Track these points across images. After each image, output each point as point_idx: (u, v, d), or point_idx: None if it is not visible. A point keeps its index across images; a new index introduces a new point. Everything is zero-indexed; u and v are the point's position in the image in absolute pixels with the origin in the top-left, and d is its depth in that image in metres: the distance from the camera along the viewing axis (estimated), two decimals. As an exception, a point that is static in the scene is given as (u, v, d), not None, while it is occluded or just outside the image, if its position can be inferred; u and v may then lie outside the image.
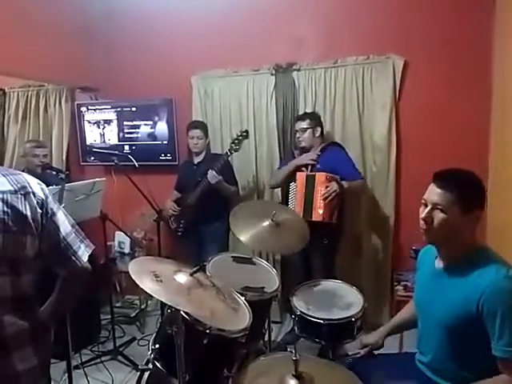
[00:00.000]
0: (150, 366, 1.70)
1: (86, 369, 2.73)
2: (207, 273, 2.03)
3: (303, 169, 2.99)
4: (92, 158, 3.95)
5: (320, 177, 2.79)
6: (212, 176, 3.04)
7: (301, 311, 2.07)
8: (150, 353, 1.69)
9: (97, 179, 2.89)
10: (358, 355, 1.86)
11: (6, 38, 2.88)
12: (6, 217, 1.16)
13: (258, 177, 3.59)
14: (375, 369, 1.72)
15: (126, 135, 3.87)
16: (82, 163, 4.01)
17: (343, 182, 2.80)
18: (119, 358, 3.05)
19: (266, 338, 2.29)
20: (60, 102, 3.86)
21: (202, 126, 3.34)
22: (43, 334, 1.30)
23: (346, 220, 3.12)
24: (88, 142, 3.96)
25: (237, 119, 3.58)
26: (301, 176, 2.90)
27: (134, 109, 3.81)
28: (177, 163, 3.73)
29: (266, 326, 2.23)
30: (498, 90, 2.88)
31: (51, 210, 1.28)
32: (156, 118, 3.77)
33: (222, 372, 1.68)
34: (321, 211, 2.75)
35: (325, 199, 2.73)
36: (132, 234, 3.71)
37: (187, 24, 3.59)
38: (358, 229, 3.36)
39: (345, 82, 3.28)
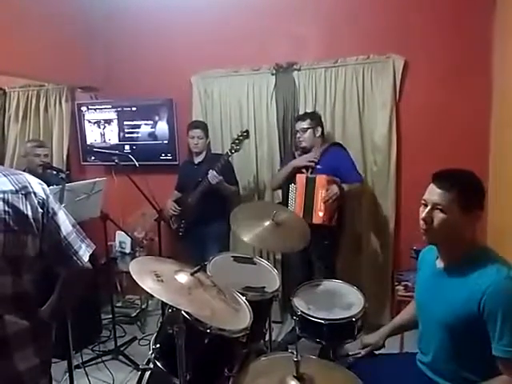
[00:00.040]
0: (151, 365, 1.70)
1: (86, 368, 2.74)
2: (208, 273, 2.03)
3: (303, 170, 2.98)
4: (92, 158, 3.95)
5: (320, 179, 2.78)
6: (213, 176, 3.04)
7: (301, 311, 2.08)
8: (150, 352, 1.69)
9: (97, 179, 2.90)
10: (359, 355, 1.86)
11: (7, 37, 2.87)
12: (7, 216, 1.17)
13: (259, 177, 3.59)
14: (376, 369, 1.72)
15: (127, 135, 3.87)
16: (83, 163, 4.01)
17: (343, 185, 2.80)
18: (120, 357, 3.05)
19: (267, 337, 2.29)
20: (60, 102, 3.86)
21: (203, 126, 3.34)
22: (44, 333, 1.31)
23: (347, 220, 3.12)
24: (88, 142, 3.96)
25: (237, 119, 3.58)
26: (300, 178, 2.89)
27: (134, 108, 3.81)
28: (177, 163, 3.73)
29: (267, 325, 2.23)
30: (499, 90, 2.88)
31: (52, 209, 1.28)
32: (156, 118, 3.77)
33: (223, 372, 1.68)
34: (321, 214, 2.74)
35: (325, 202, 2.72)
36: (133, 233, 3.71)
37: (187, 23, 3.59)
38: (359, 229, 3.36)
39: (345, 82, 3.28)
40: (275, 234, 2.26)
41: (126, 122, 3.85)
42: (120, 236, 3.81)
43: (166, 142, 3.77)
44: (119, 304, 3.88)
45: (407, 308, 1.94)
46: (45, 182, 1.33)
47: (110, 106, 3.87)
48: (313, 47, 3.36)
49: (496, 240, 2.66)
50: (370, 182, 3.34)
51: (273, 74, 3.44)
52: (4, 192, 1.18)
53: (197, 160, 3.33)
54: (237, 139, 3.11)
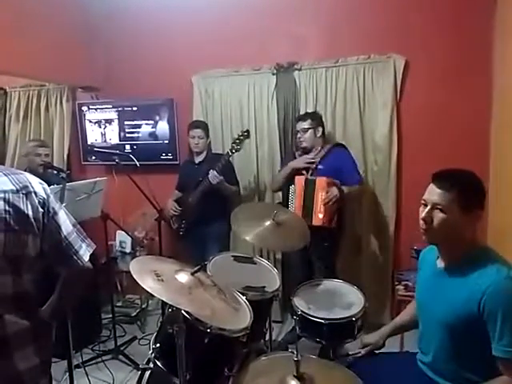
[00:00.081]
0: (151, 365, 1.70)
1: (86, 368, 2.74)
2: (208, 272, 2.03)
3: (303, 172, 2.98)
4: (93, 158, 3.96)
5: (320, 181, 2.78)
6: (213, 176, 3.04)
7: (302, 311, 2.08)
8: (150, 352, 1.69)
9: (98, 178, 2.90)
10: (359, 355, 1.86)
11: (7, 37, 2.88)
12: (7, 216, 1.17)
13: (259, 177, 3.59)
14: (376, 368, 1.72)
15: (127, 135, 3.88)
16: (83, 163, 4.02)
17: (343, 188, 2.79)
18: (120, 357, 3.05)
19: (267, 337, 2.29)
20: (61, 102, 3.87)
21: (203, 126, 3.33)
22: (44, 333, 1.31)
23: (347, 220, 3.12)
24: (89, 142, 3.96)
25: (238, 119, 3.58)
26: (299, 180, 2.89)
27: (135, 108, 3.81)
28: (178, 163, 3.73)
29: (267, 325, 2.23)
30: (499, 90, 2.88)
31: (53, 209, 1.28)
32: (157, 118, 3.77)
33: (223, 371, 1.68)
34: (321, 216, 2.74)
35: (325, 204, 2.72)
36: (133, 233, 3.71)
37: (188, 23, 3.59)
38: (359, 228, 3.36)
39: (346, 82, 3.27)
40: (275, 234, 2.26)
41: (126, 122, 3.86)
42: (120, 236, 3.81)
43: (166, 141, 3.77)
44: (119, 303, 3.88)
45: (407, 308, 1.94)
46: (45, 182, 1.33)
47: (110, 106, 3.87)
48: (313, 47, 3.36)
49: (496, 240, 2.66)
50: (371, 182, 3.34)
51: (273, 74, 3.44)
52: (5, 191, 1.18)
53: (197, 160, 3.33)
54: (237, 139, 3.11)
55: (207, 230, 3.20)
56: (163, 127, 3.77)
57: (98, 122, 3.92)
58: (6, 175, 1.22)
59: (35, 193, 1.24)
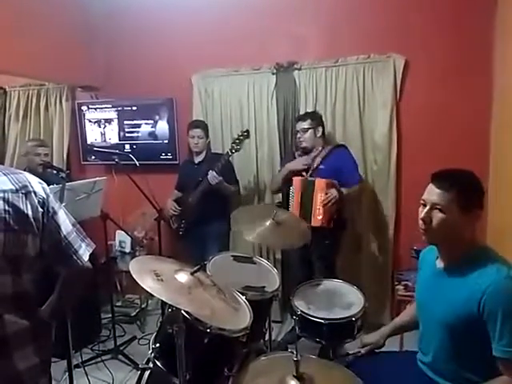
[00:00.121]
0: (151, 365, 1.70)
1: (86, 368, 2.73)
2: (208, 272, 2.03)
3: (303, 173, 2.98)
4: (93, 157, 3.95)
5: (320, 183, 2.78)
6: (212, 177, 3.04)
7: (301, 311, 2.08)
8: (150, 352, 1.69)
9: (97, 178, 2.90)
10: (359, 354, 1.86)
11: (7, 36, 2.87)
12: (7, 216, 1.16)
13: (259, 177, 3.59)
14: (376, 368, 1.72)
15: (127, 134, 3.87)
16: (83, 162, 4.01)
17: (342, 189, 2.79)
18: (120, 357, 3.05)
19: (267, 337, 2.29)
20: (61, 101, 3.87)
21: (203, 126, 3.33)
22: (44, 333, 1.31)
23: (347, 220, 3.12)
24: (89, 141, 3.96)
25: (237, 118, 3.58)
26: (296, 181, 2.90)
27: (134, 108, 3.81)
28: (177, 162, 3.73)
29: (267, 325, 2.23)
30: (499, 90, 2.88)
31: (52, 208, 1.28)
32: (157, 117, 3.77)
33: (223, 371, 1.68)
34: (320, 217, 2.74)
35: (324, 205, 2.72)
36: (133, 233, 3.71)
37: (188, 23, 3.59)
38: (359, 228, 3.36)
39: (346, 81, 3.27)
40: (276, 233, 2.27)
41: (126, 122, 3.86)
42: (120, 235, 3.81)
43: (166, 141, 3.77)
44: (119, 303, 3.88)
45: (408, 309, 1.94)
46: (45, 182, 1.33)
47: (110, 106, 3.87)
48: (313, 47, 3.36)
49: (496, 240, 2.66)
50: (371, 182, 3.34)
51: (273, 74, 3.43)
52: (4, 191, 1.18)
53: (197, 160, 3.33)
54: (237, 139, 3.11)
55: (207, 229, 3.20)
56: (163, 127, 3.77)
57: (98, 122, 3.92)
58: (5, 175, 1.22)
59: (35, 192, 1.24)
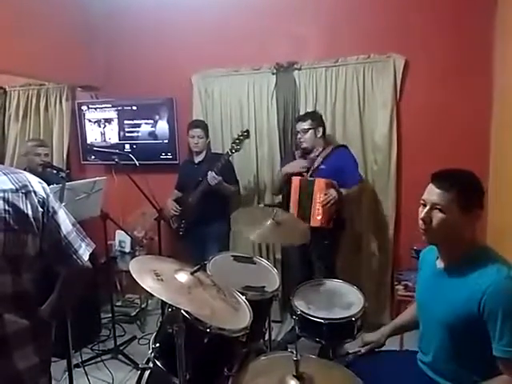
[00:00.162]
0: (151, 364, 1.70)
1: (86, 367, 2.73)
2: (208, 272, 2.03)
3: (304, 174, 2.97)
4: (93, 157, 3.95)
5: (319, 183, 2.77)
6: (212, 177, 3.04)
7: (301, 311, 2.08)
8: (150, 352, 1.69)
9: (97, 178, 2.90)
10: (359, 353, 1.86)
11: (7, 36, 2.87)
12: (7, 215, 1.16)
13: (259, 176, 3.59)
14: (376, 367, 1.72)
15: (127, 134, 3.87)
16: (83, 162, 4.01)
17: (342, 190, 2.79)
18: (120, 356, 3.05)
19: (267, 337, 2.29)
20: (61, 101, 3.87)
21: (203, 125, 3.33)
22: (44, 332, 1.31)
23: (347, 220, 3.12)
24: (89, 141, 3.96)
25: (237, 118, 3.58)
26: (296, 181, 2.90)
27: (134, 108, 3.81)
28: (177, 162, 3.73)
29: (267, 325, 2.23)
30: (499, 90, 2.88)
31: (52, 208, 1.28)
32: (157, 117, 3.77)
33: (223, 371, 1.68)
34: (319, 217, 2.74)
35: (324, 206, 2.72)
36: (133, 232, 3.71)
37: (188, 23, 3.59)
38: (359, 228, 3.36)
39: (346, 81, 3.27)
40: (276, 233, 2.28)
41: (126, 121, 3.86)
42: (120, 235, 3.81)
43: (166, 141, 3.77)
44: (119, 303, 3.88)
45: (408, 309, 1.94)
46: (45, 181, 1.33)
47: (110, 105, 3.87)
48: (313, 47, 3.36)
49: (496, 240, 2.66)
50: (371, 182, 3.34)
51: (273, 74, 3.43)
52: (4, 191, 1.18)
53: (197, 159, 3.33)
54: (237, 139, 3.11)
55: (207, 229, 3.20)
56: (163, 127, 3.77)
57: (98, 122, 3.92)
58: (5, 174, 1.22)
59: (35, 192, 1.24)
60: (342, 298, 2.23)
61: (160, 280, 1.38)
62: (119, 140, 3.89)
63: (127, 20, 3.76)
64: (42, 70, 3.28)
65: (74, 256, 1.32)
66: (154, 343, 1.70)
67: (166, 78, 3.65)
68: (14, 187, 1.20)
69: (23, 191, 1.22)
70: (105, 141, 3.93)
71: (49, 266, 1.31)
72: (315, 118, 3.04)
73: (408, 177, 3.25)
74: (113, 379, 2.79)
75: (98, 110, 3.90)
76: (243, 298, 1.88)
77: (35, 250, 1.24)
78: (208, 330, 1.58)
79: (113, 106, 3.86)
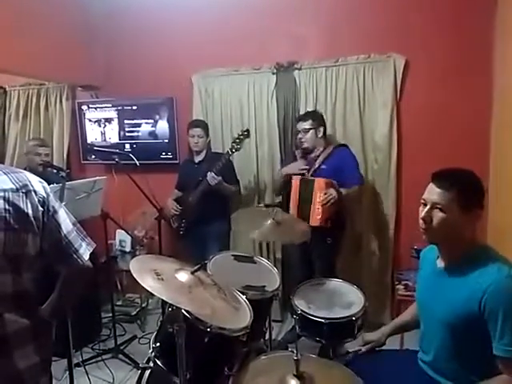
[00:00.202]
0: (151, 364, 1.70)
1: (86, 367, 2.73)
2: (208, 271, 2.02)
3: (305, 173, 2.97)
4: (93, 157, 3.95)
5: (319, 182, 2.77)
6: (211, 178, 3.04)
7: (302, 310, 2.08)
8: (150, 351, 1.70)
9: (97, 178, 2.90)
10: (360, 352, 1.86)
11: (7, 36, 2.87)
12: (7, 215, 1.16)
13: (259, 176, 3.59)
14: (376, 367, 1.72)
15: (127, 134, 3.88)
16: (83, 162, 4.02)
17: (342, 190, 2.79)
18: (120, 356, 3.05)
19: (267, 336, 2.29)
20: (61, 101, 3.87)
21: (203, 125, 3.33)
22: (44, 331, 1.31)
23: (347, 219, 3.12)
24: (89, 141, 3.96)
25: (237, 118, 3.58)
26: (295, 181, 2.90)
27: (134, 107, 3.81)
28: (178, 162, 3.73)
29: (267, 324, 2.23)
30: (499, 90, 2.88)
31: (53, 208, 1.28)
32: (157, 117, 3.77)
33: (223, 370, 1.68)
34: (319, 217, 2.74)
35: (323, 205, 2.72)
36: (133, 232, 3.71)
37: (188, 22, 3.59)
38: (359, 228, 3.36)
39: (346, 81, 3.27)
40: (276, 231, 2.29)
41: (126, 121, 3.86)
42: (120, 235, 3.81)
43: (166, 140, 3.77)
44: (119, 302, 3.88)
45: (409, 309, 1.94)
46: (45, 181, 1.33)
47: (110, 105, 3.87)
48: (313, 46, 3.36)
49: (496, 239, 2.66)
50: (371, 182, 3.33)
51: (273, 73, 3.43)
52: (4, 190, 1.18)
53: (197, 159, 3.33)
54: (237, 138, 3.11)
55: (207, 229, 3.20)
56: (163, 126, 3.77)
57: (98, 121, 3.92)
58: (5, 174, 1.22)
59: (35, 191, 1.24)
60: (343, 298, 2.23)
61: (160, 279, 1.38)
62: (119, 139, 3.90)
63: (127, 20, 3.75)
64: (42, 70, 3.28)
65: (75, 255, 1.32)
66: (155, 342, 1.71)
67: (167, 78, 3.65)
68: (14, 187, 1.20)
69: (23, 191, 1.22)
70: (105, 140, 3.94)
71: (49, 265, 1.31)
72: (316, 117, 3.03)
73: (408, 176, 3.25)
74: (113, 378, 2.80)
75: (98, 109, 3.90)
76: (243, 297, 1.88)
77: (35, 250, 1.24)
78: (208, 330, 1.58)
79: (113, 106, 3.86)
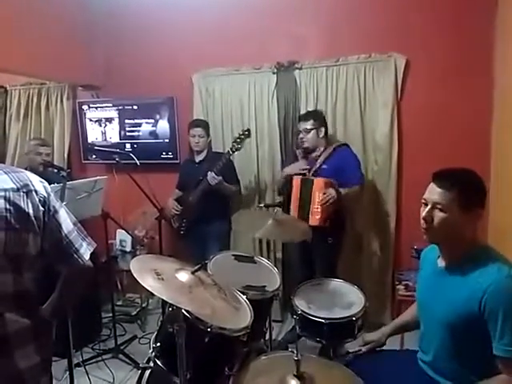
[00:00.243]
0: (151, 364, 1.70)
1: (87, 367, 2.73)
2: (209, 271, 2.02)
3: (306, 173, 2.97)
4: (93, 156, 3.96)
5: (318, 182, 2.77)
6: (211, 178, 3.04)
7: (302, 310, 2.08)
8: (151, 351, 1.70)
9: (98, 177, 2.89)
10: (360, 352, 1.86)
11: (8, 35, 2.87)
12: (8, 214, 1.17)
13: (260, 176, 3.58)
14: (376, 367, 1.72)
15: (128, 133, 3.88)
16: (84, 161, 4.02)
17: (341, 189, 2.78)
18: (120, 356, 3.05)
19: (267, 336, 2.29)
20: (61, 100, 3.87)
21: (204, 125, 3.33)
22: (45, 331, 1.31)
23: (348, 219, 3.12)
24: (89, 140, 3.96)
25: (238, 118, 3.58)
26: (296, 181, 2.90)
27: (135, 107, 3.82)
28: (178, 161, 3.73)
29: (267, 324, 2.23)
30: (500, 90, 2.88)
31: (53, 207, 1.28)
32: (157, 116, 3.77)
33: (223, 370, 1.68)
34: (317, 217, 2.74)
35: (322, 205, 2.71)
36: (133, 232, 3.71)
37: (188, 22, 3.59)
38: (359, 228, 3.36)
39: (346, 81, 3.27)
40: (277, 230, 2.30)
41: (127, 121, 3.86)
42: (121, 234, 3.81)
43: (166, 140, 3.77)
44: (119, 302, 3.88)
45: (409, 309, 1.94)
46: (46, 180, 1.33)
47: (111, 105, 3.87)
48: (314, 46, 3.36)
49: (497, 239, 2.66)
50: (371, 181, 3.33)
51: (274, 73, 3.43)
52: (5, 190, 1.18)
53: (198, 159, 3.33)
54: (238, 138, 3.11)
55: (208, 228, 3.20)
56: (164, 126, 3.77)
57: (99, 121, 3.92)
58: (6, 173, 1.22)
59: (36, 191, 1.24)
60: (343, 298, 2.23)
61: (161, 279, 1.38)
62: (120, 139, 3.90)
63: (128, 19, 3.75)
64: (43, 69, 3.28)
65: (75, 255, 1.32)
66: (155, 342, 1.71)
67: (167, 78, 3.65)
68: (15, 186, 1.20)
69: (24, 190, 1.22)
70: (106, 140, 3.94)
71: (50, 265, 1.32)
72: (318, 117, 3.02)
73: (409, 176, 3.25)
74: (113, 378, 2.80)
75: (98, 109, 3.90)
76: (244, 297, 1.88)
77: (36, 249, 1.24)
78: (209, 330, 1.58)
79: (114, 106, 3.86)
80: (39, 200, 1.24)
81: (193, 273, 1.48)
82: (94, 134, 3.95)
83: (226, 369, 1.68)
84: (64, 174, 2.62)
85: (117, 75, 3.85)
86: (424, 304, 1.67)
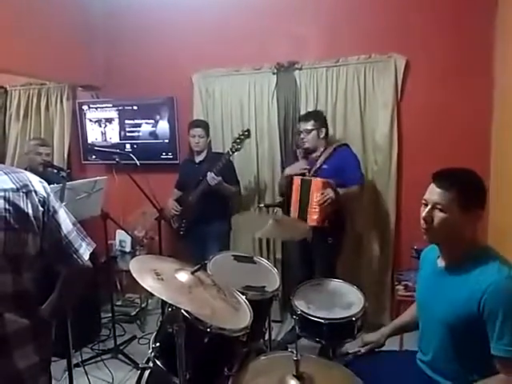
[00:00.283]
0: (151, 364, 1.70)
1: (86, 367, 2.73)
2: (208, 271, 2.02)
3: (306, 173, 2.98)
4: (93, 157, 3.96)
5: (316, 182, 2.77)
6: (211, 178, 3.04)
7: (301, 310, 2.08)
8: (150, 351, 1.69)
9: (98, 178, 2.89)
10: (359, 353, 1.86)
11: (8, 36, 2.87)
12: (7, 214, 1.17)
13: (260, 176, 3.58)
14: (375, 367, 1.72)
15: (128, 134, 3.88)
16: (84, 162, 4.02)
17: (339, 190, 2.78)
18: (120, 356, 3.05)
19: (267, 337, 2.29)
20: (61, 101, 3.87)
21: (204, 125, 3.33)
22: (44, 331, 1.31)
23: (347, 219, 3.11)
24: (89, 141, 3.96)
25: (238, 118, 3.58)
26: (296, 181, 2.90)
27: (135, 107, 3.82)
28: (178, 162, 3.73)
29: (267, 325, 2.23)
30: (500, 90, 2.88)
31: (53, 208, 1.28)
32: (157, 117, 3.77)
33: (223, 371, 1.68)
34: (315, 217, 2.74)
35: (320, 205, 2.71)
36: (133, 232, 3.71)
37: (188, 22, 3.59)
38: (359, 228, 3.35)
39: (346, 81, 3.27)
40: (277, 230, 2.30)
41: (127, 121, 3.86)
42: (120, 235, 3.81)
43: (166, 140, 3.77)
44: (119, 303, 3.88)
45: (408, 310, 1.94)
46: (45, 181, 1.33)
47: (111, 105, 3.87)
48: (314, 46, 3.36)
49: (497, 239, 2.66)
50: (371, 181, 3.33)
51: (274, 74, 3.43)
52: (5, 190, 1.18)
53: (198, 159, 3.33)
54: (238, 138, 3.11)
55: (207, 229, 3.20)
56: (163, 126, 3.77)
57: (99, 121, 3.92)
58: (6, 174, 1.22)
59: (35, 191, 1.24)
60: (343, 298, 2.23)
61: (160, 279, 1.38)
62: (120, 140, 3.90)
63: (128, 19, 3.76)
64: (43, 70, 3.28)
65: (75, 255, 1.32)
66: (154, 343, 1.71)
67: (167, 78, 3.65)
68: (14, 186, 1.20)
69: (24, 190, 1.22)
70: (105, 140, 3.94)
71: (49, 265, 1.32)
72: (318, 118, 3.02)
73: (408, 176, 3.25)
74: (113, 379, 2.79)
75: (98, 109, 3.90)
76: (243, 297, 1.88)
77: (36, 250, 1.24)
78: (208, 330, 1.58)
79: (113, 106, 3.86)
80: (39, 200, 1.24)
81: (192, 273, 1.48)
82: (93, 134, 3.95)
83: (226, 369, 1.68)
84: (64, 174, 2.62)
85: (117, 75, 3.85)
86: (423, 304, 1.67)
